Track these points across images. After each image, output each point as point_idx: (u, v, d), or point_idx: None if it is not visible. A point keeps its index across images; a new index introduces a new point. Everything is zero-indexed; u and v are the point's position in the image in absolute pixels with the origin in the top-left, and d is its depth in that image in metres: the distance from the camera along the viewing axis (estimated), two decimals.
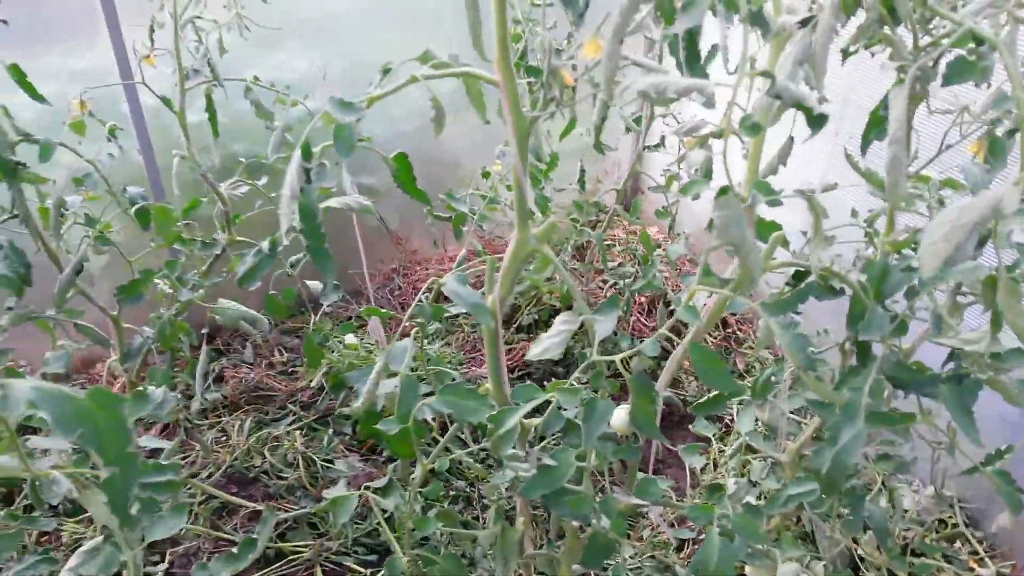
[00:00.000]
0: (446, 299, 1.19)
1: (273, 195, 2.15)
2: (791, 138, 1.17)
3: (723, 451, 2.23)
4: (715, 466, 2.24)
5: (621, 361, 0.99)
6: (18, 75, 1.71)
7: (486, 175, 2.57)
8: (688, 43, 0.85)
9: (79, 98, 1.71)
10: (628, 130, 2.33)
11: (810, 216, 1.08)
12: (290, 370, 2.75)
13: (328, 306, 2.67)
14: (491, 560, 1.88)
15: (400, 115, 2.91)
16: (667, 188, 2.41)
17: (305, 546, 2.12)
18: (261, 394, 2.64)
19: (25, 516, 1.20)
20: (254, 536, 1.22)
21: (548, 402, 1.08)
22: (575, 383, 1.07)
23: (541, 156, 2.29)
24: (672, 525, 1.96)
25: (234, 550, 1.20)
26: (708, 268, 0.94)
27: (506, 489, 1.49)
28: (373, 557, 2.12)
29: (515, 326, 2.82)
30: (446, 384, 1.13)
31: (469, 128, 2.88)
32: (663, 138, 2.44)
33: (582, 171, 2.49)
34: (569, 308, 2.80)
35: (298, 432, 2.46)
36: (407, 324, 2.93)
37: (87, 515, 2.06)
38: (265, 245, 1.36)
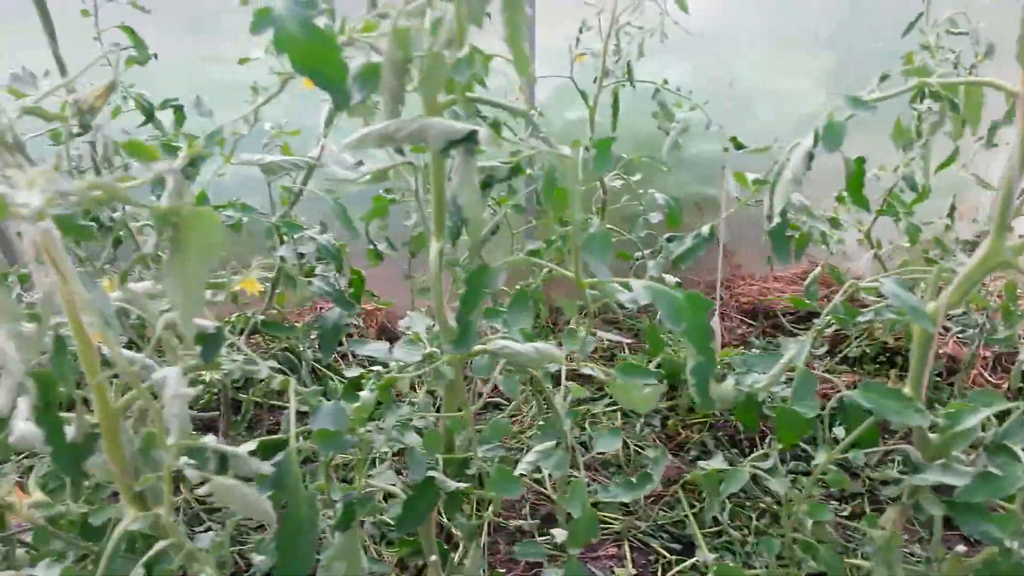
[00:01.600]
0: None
1: (640, 191, 2.32)
2: None
3: None
4: None
5: None
6: None
7: (841, 199, 2.55)
8: None
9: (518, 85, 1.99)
10: None
11: None
12: (609, 355, 2.94)
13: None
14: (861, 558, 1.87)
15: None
16: None
17: (615, 519, 2.26)
18: (580, 373, 2.85)
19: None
20: (649, 471, 1.35)
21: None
22: None
23: (916, 186, 2.23)
24: None
25: (633, 479, 1.33)
26: None
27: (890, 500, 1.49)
28: (677, 546, 2.20)
29: (839, 356, 2.76)
30: (868, 382, 1.17)
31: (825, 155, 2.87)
32: None
33: (952, 207, 2.37)
34: (907, 348, 2.67)
35: (617, 414, 2.62)
36: (727, 338, 2.94)
37: None
38: (705, 230, 1.49)
